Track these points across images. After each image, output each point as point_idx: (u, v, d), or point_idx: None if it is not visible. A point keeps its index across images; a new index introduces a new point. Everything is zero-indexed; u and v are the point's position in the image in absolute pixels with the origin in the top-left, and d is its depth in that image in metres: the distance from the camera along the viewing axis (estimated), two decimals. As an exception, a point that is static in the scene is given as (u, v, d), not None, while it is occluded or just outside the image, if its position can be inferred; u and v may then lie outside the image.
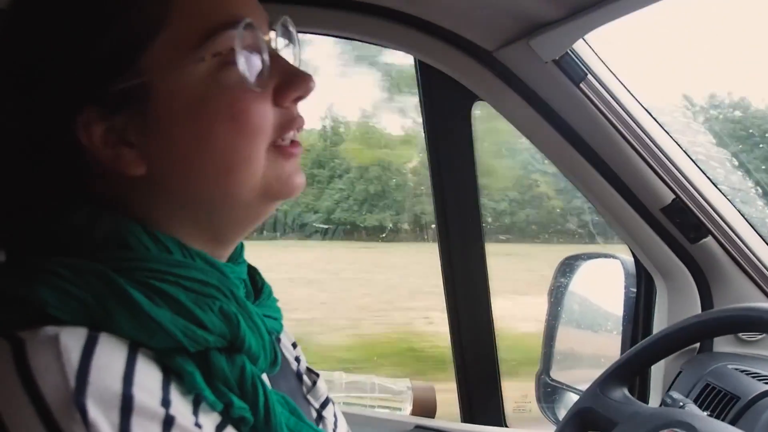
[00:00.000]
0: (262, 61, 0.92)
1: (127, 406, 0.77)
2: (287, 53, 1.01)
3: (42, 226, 0.92)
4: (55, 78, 0.88)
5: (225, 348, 0.89)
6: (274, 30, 0.98)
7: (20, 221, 0.94)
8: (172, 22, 0.88)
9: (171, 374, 0.85)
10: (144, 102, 0.88)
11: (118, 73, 0.87)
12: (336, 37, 2.00)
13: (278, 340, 1.15)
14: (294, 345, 1.24)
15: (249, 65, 0.90)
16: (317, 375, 1.22)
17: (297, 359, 1.22)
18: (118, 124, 0.89)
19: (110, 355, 0.80)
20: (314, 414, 1.17)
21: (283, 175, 0.95)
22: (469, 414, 2.31)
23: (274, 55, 0.95)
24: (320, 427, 1.16)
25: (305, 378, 1.20)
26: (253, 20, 0.91)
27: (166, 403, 0.81)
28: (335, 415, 1.20)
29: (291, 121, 0.96)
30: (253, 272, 1.10)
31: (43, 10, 0.90)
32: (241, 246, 1.07)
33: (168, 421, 0.80)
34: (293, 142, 0.97)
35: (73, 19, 0.88)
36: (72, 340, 0.79)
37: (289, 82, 0.94)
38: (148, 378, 0.82)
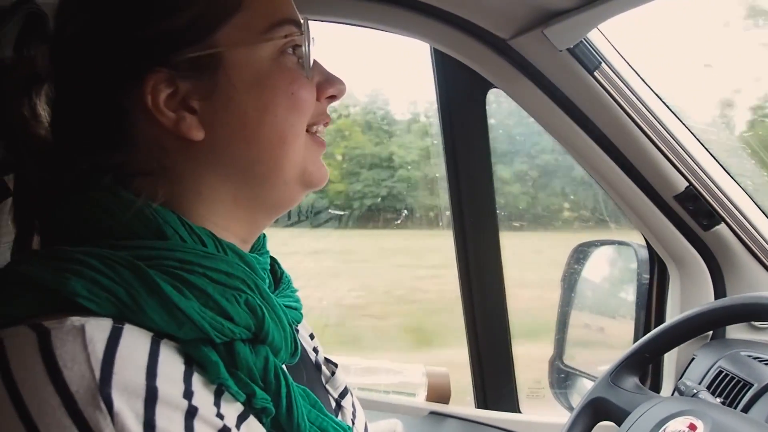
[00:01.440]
0: (308, 56, 1.01)
1: (151, 396, 0.79)
2: None
3: (72, 208, 0.94)
4: (136, 39, 0.94)
5: (249, 340, 0.91)
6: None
7: (53, 206, 0.96)
8: (246, 8, 0.97)
9: (194, 364, 0.86)
10: (214, 71, 0.95)
11: (194, 41, 0.94)
12: (352, 25, 2.00)
13: (296, 331, 1.17)
14: (311, 336, 1.26)
15: (306, 56, 1.01)
16: (335, 365, 1.23)
17: (315, 350, 1.23)
18: (183, 90, 0.95)
19: (134, 346, 0.82)
20: (333, 404, 1.18)
21: (316, 161, 1.05)
22: (483, 400, 2.33)
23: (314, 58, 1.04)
24: (339, 416, 1.17)
25: (324, 368, 1.22)
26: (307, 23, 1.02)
27: (188, 393, 0.83)
28: (353, 405, 1.22)
29: (323, 114, 1.06)
30: (273, 262, 1.13)
31: None
32: (264, 237, 1.11)
33: (191, 412, 0.81)
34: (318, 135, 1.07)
35: None
36: (97, 330, 0.80)
37: (328, 80, 1.05)
38: (172, 369, 0.83)
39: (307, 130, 1.02)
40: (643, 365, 1.73)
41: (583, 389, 2.11)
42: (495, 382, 2.32)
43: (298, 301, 1.10)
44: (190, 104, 0.95)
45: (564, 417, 1.78)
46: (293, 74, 0.99)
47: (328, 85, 1.05)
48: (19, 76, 1.01)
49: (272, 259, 1.13)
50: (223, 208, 0.99)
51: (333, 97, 1.06)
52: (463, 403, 2.36)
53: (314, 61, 1.03)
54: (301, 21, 1.01)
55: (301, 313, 1.10)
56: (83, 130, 0.97)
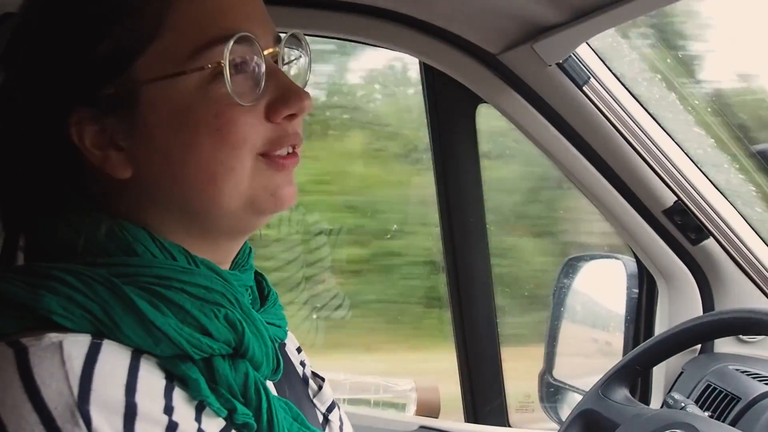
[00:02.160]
0: (255, 75, 0.92)
1: (130, 413, 0.78)
2: (298, 66, 1.02)
3: (47, 229, 0.93)
4: (53, 77, 0.90)
5: (229, 355, 0.90)
6: (279, 43, 0.97)
7: (26, 225, 0.96)
8: (166, 33, 0.88)
9: (174, 380, 0.86)
10: (133, 107, 0.89)
11: (113, 76, 0.89)
12: (342, 40, 2.01)
13: (282, 344, 1.16)
14: (299, 350, 1.25)
15: (238, 79, 0.90)
16: (323, 379, 1.23)
17: (302, 363, 1.22)
18: (109, 127, 0.90)
19: (113, 363, 0.81)
20: (320, 418, 1.17)
21: (270, 186, 0.94)
22: (472, 414, 2.33)
23: (273, 70, 0.94)
24: (326, 430, 1.16)
25: (311, 382, 1.21)
26: (253, 33, 0.91)
27: (169, 409, 0.82)
28: (341, 419, 1.21)
29: (282, 138, 0.95)
30: (260, 278, 1.10)
31: (49, 13, 0.92)
32: (250, 251, 1.08)
33: (171, 427, 0.81)
34: (289, 154, 0.96)
35: (75, 22, 0.90)
36: (75, 347, 0.80)
37: (282, 98, 0.93)
38: (151, 385, 0.83)
39: (263, 155, 0.93)
40: (633, 378, 1.74)
41: (572, 403, 2.10)
42: (484, 395, 2.32)
43: (283, 318, 1.08)
44: (116, 141, 0.90)
45: (554, 431, 1.78)
46: (220, 106, 0.89)
47: (281, 105, 0.93)
48: None
49: (261, 275, 1.10)
50: (177, 237, 0.94)
51: (293, 116, 0.95)
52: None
53: (270, 74, 0.93)
54: (234, 35, 0.89)
55: (285, 331, 1.08)
56: (27, 153, 0.95)
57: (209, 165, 0.90)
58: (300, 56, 1.02)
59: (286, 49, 0.99)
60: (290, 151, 0.96)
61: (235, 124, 0.90)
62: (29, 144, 0.94)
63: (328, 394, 1.21)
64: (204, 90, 0.89)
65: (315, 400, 1.18)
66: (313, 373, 1.23)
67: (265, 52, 0.93)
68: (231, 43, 0.88)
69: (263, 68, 0.92)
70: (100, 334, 0.83)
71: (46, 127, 0.91)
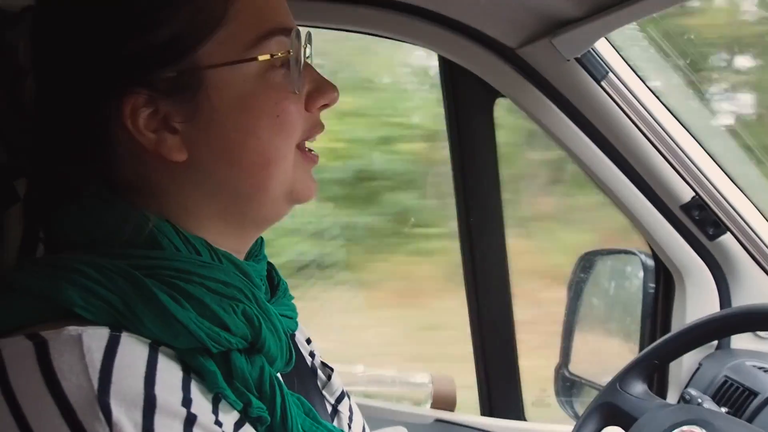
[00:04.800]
0: (300, 68, 0.96)
1: (149, 405, 0.79)
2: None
3: (69, 219, 0.94)
4: (113, 58, 0.90)
5: (245, 349, 0.91)
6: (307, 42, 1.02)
7: (47, 215, 0.96)
8: (231, 21, 0.92)
9: (191, 373, 0.86)
10: (195, 91, 0.91)
11: (174, 60, 0.90)
12: (359, 33, 2.01)
13: (292, 335, 1.16)
14: (308, 340, 1.26)
15: (295, 70, 0.95)
16: (332, 369, 1.24)
17: (311, 354, 1.23)
18: (164, 110, 0.91)
19: (132, 355, 0.82)
20: (329, 408, 1.18)
21: (304, 177, 1.00)
22: (488, 407, 2.34)
23: (306, 63, 0.99)
24: (335, 420, 1.17)
25: (320, 373, 1.22)
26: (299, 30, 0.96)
27: (187, 401, 0.83)
28: (350, 409, 1.22)
29: (316, 126, 1.01)
30: (270, 268, 1.11)
31: None
32: (261, 241, 1.09)
33: (190, 419, 0.81)
34: (312, 152, 1.03)
35: (142, 3, 0.90)
36: (94, 340, 0.81)
37: (319, 89, 1.00)
38: (170, 377, 0.83)
39: (297, 146, 0.98)
40: (651, 372, 1.74)
41: (588, 398, 2.11)
42: (501, 389, 2.33)
43: (294, 309, 1.09)
44: (171, 124, 0.91)
45: (570, 425, 1.78)
46: (280, 93, 0.94)
47: (318, 95, 0.99)
48: (3, 65, 0.99)
49: (270, 265, 1.11)
50: (210, 223, 0.96)
51: (325, 106, 1.01)
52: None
53: (306, 68, 0.98)
54: (293, 29, 0.96)
55: (296, 322, 1.09)
56: (69, 141, 0.95)
57: (267, 150, 0.94)
58: (310, 54, 1.05)
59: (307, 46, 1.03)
60: (311, 148, 1.02)
61: (290, 112, 0.95)
62: (65, 128, 0.95)
63: (337, 384, 1.22)
64: (263, 78, 0.93)
65: (324, 391, 1.19)
66: (322, 363, 1.24)
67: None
68: (293, 35, 0.95)
69: (303, 61, 0.97)
70: (118, 326, 0.83)
71: (94, 109, 0.92)
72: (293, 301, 1.12)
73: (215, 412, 0.86)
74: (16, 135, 0.99)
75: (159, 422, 0.79)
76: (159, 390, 0.80)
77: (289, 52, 0.94)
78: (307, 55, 1.02)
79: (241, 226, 0.99)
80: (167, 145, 0.92)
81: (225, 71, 0.91)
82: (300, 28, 0.99)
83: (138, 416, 0.78)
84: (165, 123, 0.91)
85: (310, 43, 1.04)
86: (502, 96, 2.05)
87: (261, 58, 0.93)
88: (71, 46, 0.92)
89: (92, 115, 0.92)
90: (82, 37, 0.92)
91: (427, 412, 2.31)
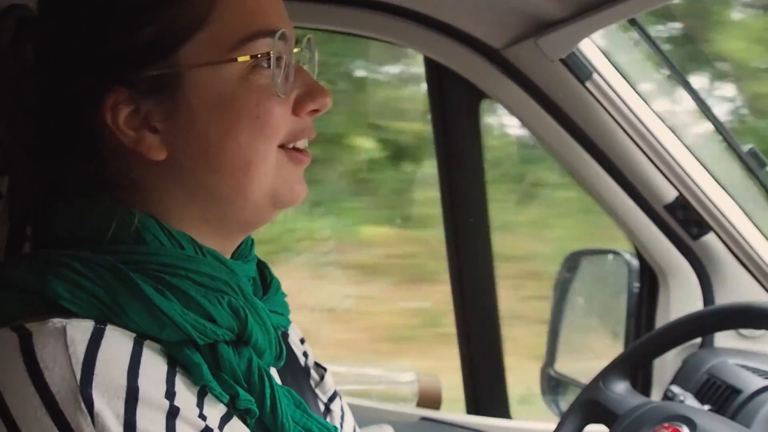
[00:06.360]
0: (288, 71, 0.95)
1: (132, 397, 0.79)
2: (309, 68, 1.04)
3: (56, 216, 0.95)
4: (95, 56, 0.91)
5: (232, 341, 0.91)
6: (300, 45, 1.01)
7: (33, 212, 0.97)
8: (214, 22, 0.91)
9: (177, 366, 0.87)
10: (175, 91, 0.91)
11: (156, 59, 0.91)
12: (345, 34, 2.03)
13: (285, 335, 1.18)
14: (302, 340, 1.26)
15: (278, 72, 0.94)
16: (325, 369, 1.24)
17: (305, 354, 1.24)
18: (145, 109, 0.91)
19: (116, 348, 0.82)
20: (322, 407, 1.19)
21: (289, 180, 0.98)
22: (474, 405, 2.34)
23: (298, 67, 0.99)
24: (327, 419, 1.18)
25: (313, 372, 1.23)
26: (286, 32, 0.95)
27: (170, 394, 0.83)
28: (342, 409, 1.23)
29: (304, 130, 0.99)
30: (262, 267, 1.11)
31: None
32: (252, 242, 1.09)
33: (173, 412, 0.82)
34: (303, 151, 1.01)
35: (126, 3, 0.91)
36: (78, 332, 0.81)
37: (309, 94, 0.98)
38: (154, 370, 0.84)
39: (282, 146, 0.97)
40: (634, 370, 1.75)
41: (574, 396, 2.12)
42: (486, 387, 2.34)
43: (285, 306, 1.10)
44: (151, 123, 0.92)
45: (555, 422, 1.79)
46: (261, 95, 0.93)
47: (308, 99, 0.98)
48: (10, 64, 0.98)
49: (263, 264, 1.12)
50: (193, 223, 0.96)
51: (315, 111, 0.99)
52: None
53: (296, 72, 0.98)
54: (281, 31, 0.94)
55: (287, 319, 1.09)
56: (52, 137, 0.96)
57: (246, 152, 0.93)
58: (311, 58, 1.05)
59: (305, 51, 1.03)
60: (305, 146, 1.01)
61: (273, 114, 0.94)
62: (49, 125, 0.95)
63: (330, 384, 1.23)
64: (245, 79, 0.92)
65: (317, 390, 1.20)
66: (315, 363, 1.25)
67: (294, 50, 0.98)
68: (276, 37, 0.93)
69: (293, 65, 0.97)
70: (104, 319, 0.84)
71: (76, 106, 0.93)
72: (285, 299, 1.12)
73: (200, 405, 0.86)
74: (14, 134, 0.99)
75: (141, 414, 0.79)
76: (142, 382, 0.81)
77: (267, 54, 0.93)
78: (305, 60, 1.02)
79: (223, 228, 0.99)
80: (146, 144, 0.92)
81: (206, 71, 0.91)
82: (296, 31, 1.00)
83: (120, 408, 0.79)
84: (145, 122, 0.92)
85: (310, 47, 1.04)
86: (488, 97, 2.06)
87: (240, 59, 0.92)
88: (58, 44, 0.93)
89: (76, 112, 0.93)
90: (67, 34, 0.93)
91: (413, 410, 2.32)
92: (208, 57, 0.91)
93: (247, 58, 0.92)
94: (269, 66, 0.94)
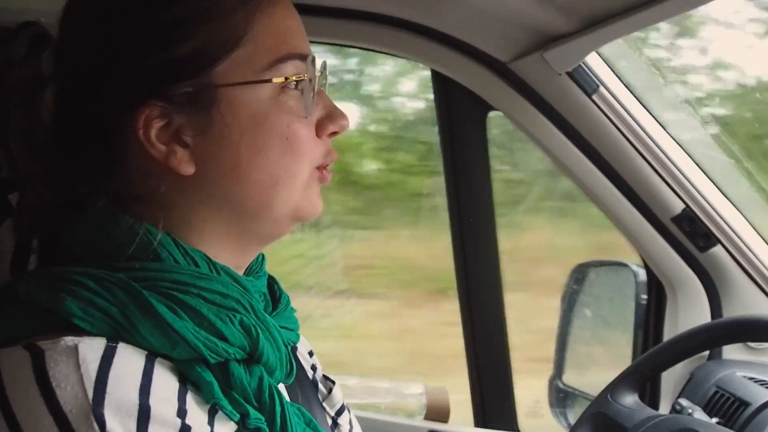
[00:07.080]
0: (313, 93, 0.98)
1: (144, 415, 0.79)
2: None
3: (69, 231, 0.95)
4: (132, 69, 0.92)
5: (243, 360, 0.92)
6: (321, 70, 1.04)
7: (53, 226, 0.97)
8: (250, 42, 0.94)
9: (188, 384, 0.87)
10: (209, 107, 0.93)
11: (192, 75, 0.92)
12: (354, 47, 2.03)
13: (294, 348, 1.18)
14: (310, 353, 1.27)
15: (308, 95, 0.97)
16: (333, 382, 1.24)
17: (313, 367, 1.24)
18: (177, 123, 0.93)
19: (128, 366, 0.83)
20: (329, 421, 1.19)
21: (312, 196, 1.01)
22: (482, 418, 2.34)
23: (319, 90, 1.01)
24: None
25: (321, 386, 1.23)
26: (315, 57, 0.98)
27: (182, 412, 0.83)
28: (350, 423, 1.23)
29: (330, 153, 1.02)
30: (272, 282, 1.12)
31: (133, 11, 0.94)
32: (263, 258, 1.10)
33: (184, 430, 0.82)
34: (327, 169, 1.03)
35: (165, 18, 0.92)
36: (91, 350, 0.82)
37: (330, 116, 1.01)
38: (165, 388, 0.84)
39: (318, 168, 1.01)
40: (642, 382, 1.75)
41: (582, 408, 2.12)
42: (494, 400, 2.33)
43: (295, 322, 1.10)
44: (182, 138, 0.93)
45: (563, 435, 1.80)
46: (291, 116, 0.96)
47: (328, 122, 1.01)
48: (25, 76, 1.00)
49: (272, 279, 1.13)
50: (213, 238, 0.98)
51: (335, 134, 1.02)
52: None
53: (319, 94, 1.01)
54: (308, 55, 0.98)
55: (297, 334, 1.10)
56: (77, 151, 0.97)
57: (274, 170, 0.96)
58: (326, 83, 1.07)
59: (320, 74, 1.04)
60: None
61: (300, 135, 0.97)
62: (71, 139, 0.97)
63: (338, 397, 1.23)
64: (276, 100, 0.95)
65: (324, 404, 1.20)
66: (323, 376, 1.25)
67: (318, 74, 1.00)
68: (309, 61, 0.97)
69: (317, 88, 0.99)
70: (116, 337, 0.84)
71: (106, 119, 0.93)
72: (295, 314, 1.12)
73: (211, 423, 0.87)
74: (28, 147, 1.00)
75: None
76: (154, 400, 0.81)
77: (303, 76, 0.96)
78: (322, 83, 1.04)
79: (243, 242, 1.00)
80: (177, 158, 0.93)
81: (240, 90, 0.93)
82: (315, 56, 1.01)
83: (132, 426, 0.79)
84: (176, 136, 0.93)
85: (325, 71, 1.06)
86: (495, 110, 2.06)
87: (275, 80, 0.94)
88: (94, 58, 0.94)
89: (108, 126, 0.94)
90: (105, 48, 0.94)
91: (421, 423, 2.31)
92: (242, 75, 0.94)
93: (281, 79, 0.95)
94: (297, 87, 0.96)
